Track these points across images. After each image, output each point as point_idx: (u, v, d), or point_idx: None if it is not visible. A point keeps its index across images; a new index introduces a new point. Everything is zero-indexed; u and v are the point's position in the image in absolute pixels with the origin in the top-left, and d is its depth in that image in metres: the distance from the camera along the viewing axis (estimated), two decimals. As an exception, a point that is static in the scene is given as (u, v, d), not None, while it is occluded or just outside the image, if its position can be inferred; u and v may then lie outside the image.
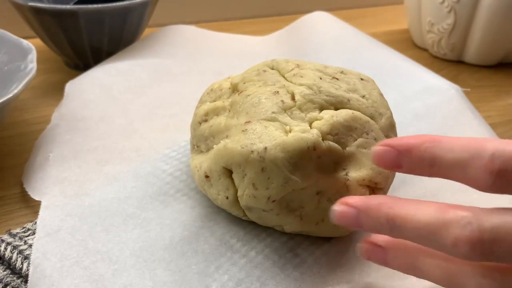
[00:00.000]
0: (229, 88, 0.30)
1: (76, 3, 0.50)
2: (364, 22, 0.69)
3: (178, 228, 0.27)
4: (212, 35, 0.54)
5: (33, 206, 0.31)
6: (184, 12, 0.66)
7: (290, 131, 0.25)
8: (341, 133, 0.25)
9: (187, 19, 0.64)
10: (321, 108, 0.27)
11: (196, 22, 0.62)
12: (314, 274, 0.25)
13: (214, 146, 0.26)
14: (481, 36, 0.52)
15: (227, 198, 0.26)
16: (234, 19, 0.69)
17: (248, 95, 0.27)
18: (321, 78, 0.28)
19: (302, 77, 0.28)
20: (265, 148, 0.24)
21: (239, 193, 0.25)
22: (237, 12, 0.69)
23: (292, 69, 0.29)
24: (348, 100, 0.27)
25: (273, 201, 0.24)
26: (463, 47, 0.54)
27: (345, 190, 0.25)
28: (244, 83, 0.29)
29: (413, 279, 0.22)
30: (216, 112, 0.29)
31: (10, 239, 0.26)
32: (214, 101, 0.30)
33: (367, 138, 0.26)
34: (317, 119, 0.26)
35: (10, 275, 0.24)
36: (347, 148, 0.25)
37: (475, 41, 0.53)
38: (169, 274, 0.24)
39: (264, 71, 0.30)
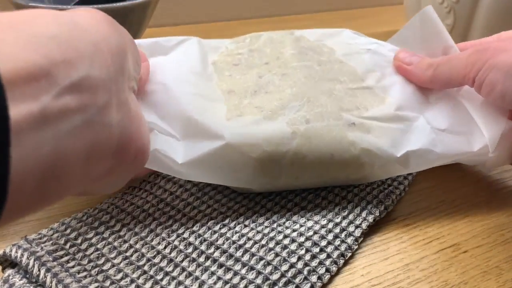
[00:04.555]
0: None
1: (76, 4, 0.50)
2: (364, 22, 0.69)
3: None
4: None
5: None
6: (184, 12, 0.66)
7: None
8: None
9: (187, 19, 0.64)
10: None
11: (196, 22, 0.62)
12: None
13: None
14: (481, 36, 0.52)
15: None
16: (234, 19, 0.68)
17: None
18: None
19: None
20: None
21: None
22: (237, 12, 0.69)
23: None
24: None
25: None
26: (463, 47, 0.54)
27: None
28: None
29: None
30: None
31: (27, 245, 0.26)
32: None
33: None
34: None
35: (27, 284, 0.24)
36: None
37: (475, 41, 0.53)
38: None
39: None
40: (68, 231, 0.27)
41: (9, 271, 0.25)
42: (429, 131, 0.31)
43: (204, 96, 0.30)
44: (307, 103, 0.30)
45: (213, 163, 0.28)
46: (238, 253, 0.27)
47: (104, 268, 0.25)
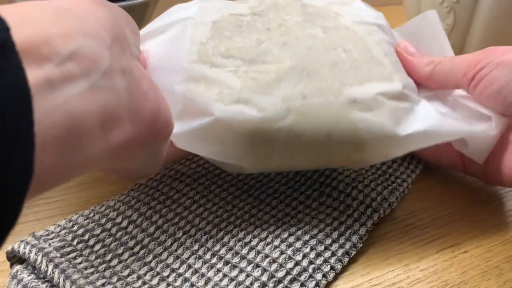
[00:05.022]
0: None
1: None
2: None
3: None
4: None
5: (32, 206, 0.31)
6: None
7: None
8: None
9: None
10: None
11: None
12: None
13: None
14: (481, 36, 0.52)
15: None
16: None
17: None
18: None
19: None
20: None
21: None
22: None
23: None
24: None
25: None
26: (463, 47, 0.55)
27: None
28: None
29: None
30: None
31: (34, 241, 0.26)
32: None
33: None
34: None
35: (35, 280, 0.24)
36: None
37: (474, 41, 0.53)
38: None
39: None
40: (75, 227, 0.27)
41: (17, 267, 0.25)
42: (433, 111, 0.30)
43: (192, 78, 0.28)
44: (306, 77, 0.28)
45: (203, 139, 0.27)
46: (244, 251, 0.27)
47: (111, 264, 0.26)
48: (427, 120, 0.29)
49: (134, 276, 0.25)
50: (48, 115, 0.15)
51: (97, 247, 0.26)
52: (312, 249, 0.27)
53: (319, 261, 0.27)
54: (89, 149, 0.17)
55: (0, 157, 0.13)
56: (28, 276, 0.24)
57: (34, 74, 0.14)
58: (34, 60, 0.15)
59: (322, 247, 0.27)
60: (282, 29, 0.30)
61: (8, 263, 0.26)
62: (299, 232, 0.28)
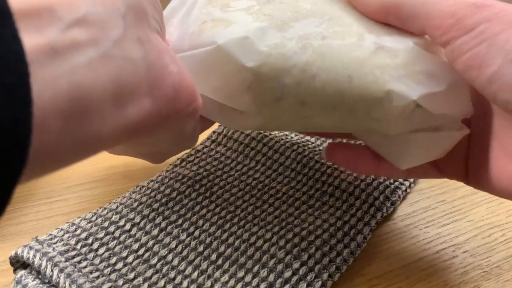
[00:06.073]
0: None
1: None
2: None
3: None
4: None
5: (32, 206, 0.31)
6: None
7: None
8: None
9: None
10: None
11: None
12: None
13: None
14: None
15: None
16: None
17: None
18: None
19: None
20: None
21: None
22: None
23: None
24: None
25: None
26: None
27: None
28: None
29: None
30: None
31: (38, 246, 0.25)
32: None
33: None
34: None
35: (40, 285, 0.24)
36: None
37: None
38: None
39: None
40: (78, 231, 0.27)
41: (21, 272, 0.25)
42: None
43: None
44: (328, 20, 0.24)
45: (204, 70, 0.23)
46: (250, 251, 0.27)
47: (117, 267, 0.25)
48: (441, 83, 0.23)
49: (140, 278, 0.25)
50: (51, 85, 0.13)
51: (101, 250, 0.26)
52: (317, 249, 0.27)
53: (325, 261, 0.27)
54: (100, 125, 0.15)
55: None
56: (33, 281, 0.24)
57: (34, 40, 0.13)
58: (34, 26, 0.13)
59: (328, 247, 0.27)
60: None
61: (8, 263, 0.26)
62: (304, 233, 0.28)
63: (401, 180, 0.34)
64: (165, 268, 0.26)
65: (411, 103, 0.22)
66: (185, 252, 0.27)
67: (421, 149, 0.25)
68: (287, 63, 0.22)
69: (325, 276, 0.26)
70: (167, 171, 0.33)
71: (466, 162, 0.27)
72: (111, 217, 0.28)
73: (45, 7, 0.14)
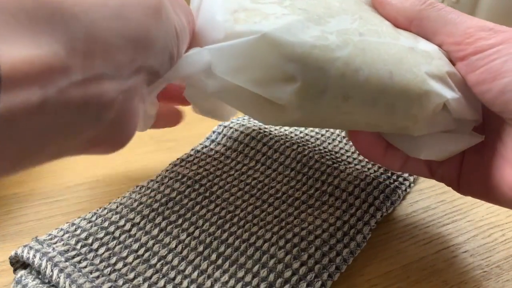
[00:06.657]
0: None
1: None
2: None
3: None
4: None
5: (32, 206, 0.31)
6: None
7: None
8: None
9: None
10: None
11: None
12: None
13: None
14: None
15: None
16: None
17: None
18: None
19: None
20: None
21: None
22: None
23: None
24: None
25: None
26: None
27: None
28: None
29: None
30: None
31: (38, 246, 0.25)
32: None
33: None
34: None
35: (40, 285, 0.24)
36: None
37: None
38: None
39: None
40: (78, 231, 0.27)
41: (21, 272, 0.25)
42: None
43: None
44: (359, 19, 0.24)
45: (243, 60, 0.22)
46: (249, 251, 0.27)
47: (117, 267, 0.25)
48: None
49: (140, 278, 0.25)
50: None
51: (101, 250, 0.26)
52: (317, 249, 0.27)
53: (324, 261, 0.27)
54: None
55: None
56: (33, 281, 0.24)
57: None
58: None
59: (327, 247, 0.27)
60: None
61: (8, 263, 0.26)
62: (304, 233, 0.28)
63: (401, 180, 0.34)
64: (165, 268, 0.26)
65: (441, 103, 0.23)
66: (185, 252, 0.27)
67: (437, 146, 0.26)
68: (332, 55, 0.22)
69: (325, 276, 0.26)
70: (167, 171, 0.33)
71: (460, 167, 0.27)
72: (111, 217, 0.28)
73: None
